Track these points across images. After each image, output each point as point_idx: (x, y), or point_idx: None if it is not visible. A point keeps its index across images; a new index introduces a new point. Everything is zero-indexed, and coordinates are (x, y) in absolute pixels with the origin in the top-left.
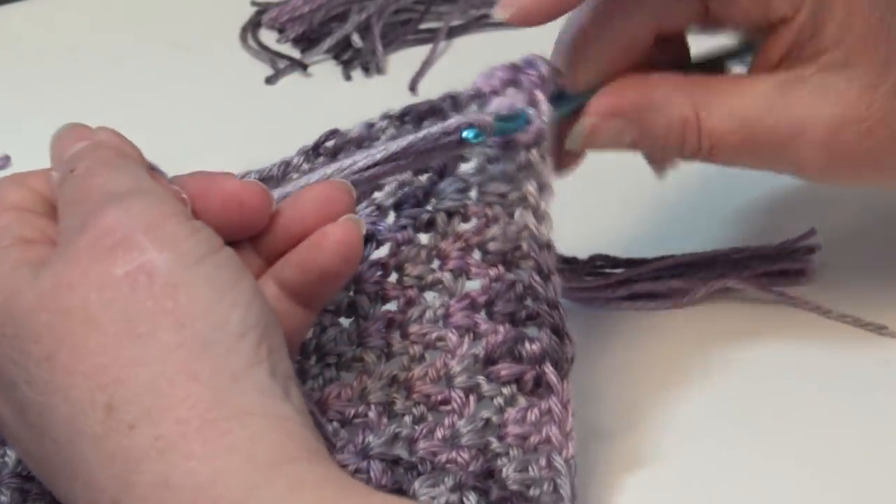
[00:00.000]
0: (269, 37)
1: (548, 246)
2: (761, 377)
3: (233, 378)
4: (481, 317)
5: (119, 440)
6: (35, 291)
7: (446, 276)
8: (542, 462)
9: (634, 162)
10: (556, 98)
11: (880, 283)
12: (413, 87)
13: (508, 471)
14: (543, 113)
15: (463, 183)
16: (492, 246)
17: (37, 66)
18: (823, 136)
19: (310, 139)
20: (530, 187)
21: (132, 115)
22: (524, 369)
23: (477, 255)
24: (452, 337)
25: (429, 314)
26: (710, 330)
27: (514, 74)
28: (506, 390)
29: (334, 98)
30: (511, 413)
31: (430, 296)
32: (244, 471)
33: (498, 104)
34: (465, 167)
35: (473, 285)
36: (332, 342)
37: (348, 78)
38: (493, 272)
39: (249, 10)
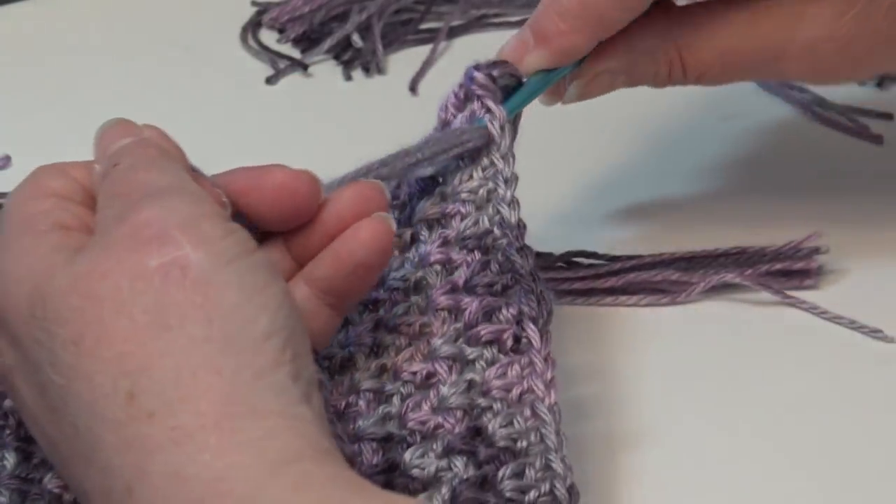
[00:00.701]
0: (269, 37)
1: (518, 225)
2: (754, 375)
3: (255, 377)
4: (461, 295)
5: (138, 427)
6: (69, 276)
7: (429, 273)
8: (527, 412)
9: (637, 161)
10: (514, 89)
11: (883, 287)
12: (413, 88)
13: (494, 426)
14: (494, 117)
15: (438, 197)
16: (468, 233)
17: (37, 66)
18: (800, 56)
19: (310, 139)
20: (496, 184)
21: (132, 115)
22: (503, 328)
23: (456, 250)
24: (436, 321)
25: (413, 308)
26: (706, 326)
27: (465, 91)
28: (487, 352)
29: (334, 98)
30: (493, 370)
31: (415, 298)
32: (254, 467)
33: (459, 122)
34: (444, 183)
35: (455, 276)
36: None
37: (348, 78)
38: (470, 258)
39: (249, 10)
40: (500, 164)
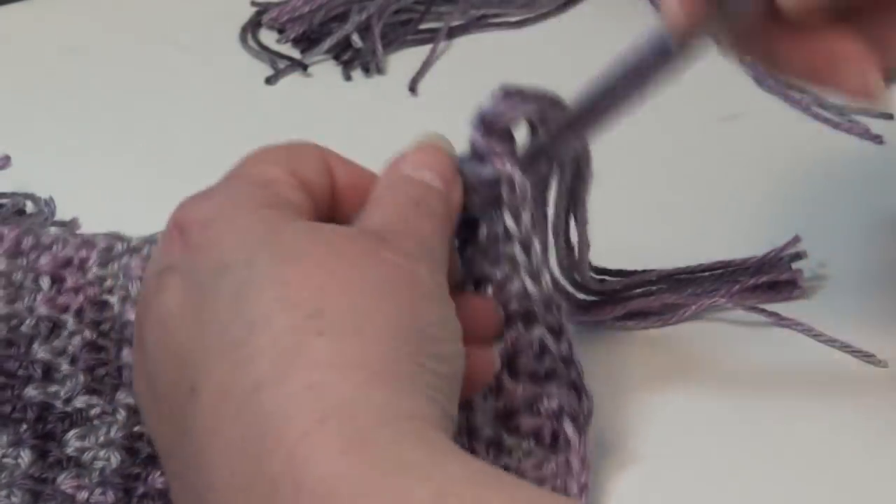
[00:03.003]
0: (269, 37)
1: (554, 304)
2: (746, 394)
3: (407, 358)
4: (504, 374)
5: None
6: (302, 229)
7: None
8: None
9: (612, 172)
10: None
11: (884, 290)
12: (413, 88)
13: None
14: (507, 177)
15: (481, 248)
16: (511, 308)
17: (37, 66)
18: None
19: (310, 139)
20: (516, 252)
21: (132, 115)
22: (542, 423)
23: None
24: (476, 397)
25: None
26: (696, 346)
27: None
28: (525, 443)
29: (334, 98)
30: (529, 462)
31: None
32: (339, 385)
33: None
34: (480, 234)
35: (496, 344)
36: None
37: (348, 78)
38: (514, 333)
39: (249, 10)
40: (511, 227)
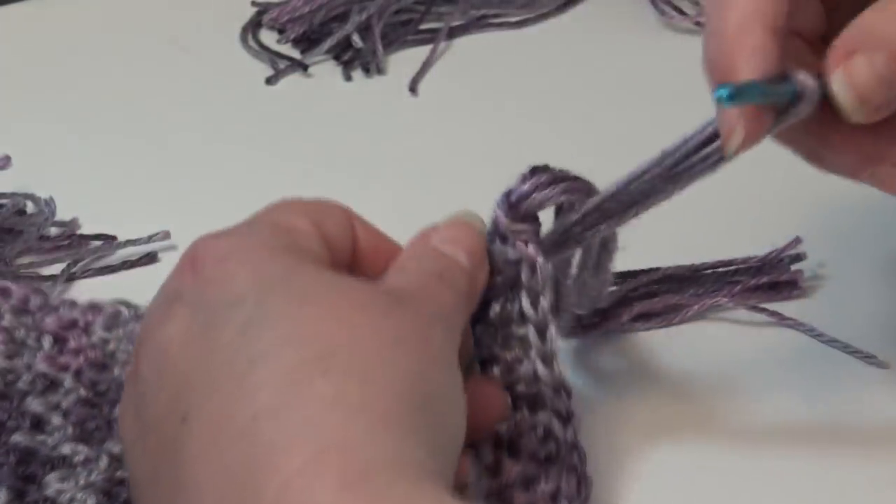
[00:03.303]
0: (269, 37)
1: (564, 389)
2: (747, 393)
3: (407, 424)
4: (503, 453)
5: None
6: (319, 276)
7: None
8: None
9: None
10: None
11: (878, 288)
12: (413, 88)
13: None
14: (529, 261)
15: (492, 328)
16: (518, 390)
17: (37, 66)
18: None
19: (310, 139)
20: (530, 335)
21: (132, 115)
22: (535, 500)
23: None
24: (472, 471)
25: None
26: (699, 349)
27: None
28: None
29: (334, 98)
30: None
31: None
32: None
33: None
34: (492, 311)
35: (499, 426)
36: None
37: (348, 78)
38: (518, 416)
39: (249, 10)
40: (528, 310)
